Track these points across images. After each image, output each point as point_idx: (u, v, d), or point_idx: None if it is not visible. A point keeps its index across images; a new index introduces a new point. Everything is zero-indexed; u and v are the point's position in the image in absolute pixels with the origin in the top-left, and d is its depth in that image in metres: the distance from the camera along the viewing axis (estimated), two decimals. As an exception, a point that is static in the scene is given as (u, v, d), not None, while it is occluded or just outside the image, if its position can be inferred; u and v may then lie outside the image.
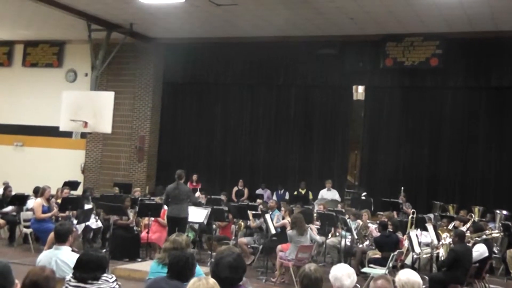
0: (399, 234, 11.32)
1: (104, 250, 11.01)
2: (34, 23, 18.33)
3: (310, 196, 16.77)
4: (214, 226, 12.93)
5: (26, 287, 4.19)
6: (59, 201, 12.83)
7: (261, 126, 19.01)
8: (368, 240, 12.07)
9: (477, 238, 10.54)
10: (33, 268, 4.41)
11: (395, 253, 10.20)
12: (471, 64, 16.31)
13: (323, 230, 12.59)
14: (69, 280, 5.08)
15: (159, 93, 19.83)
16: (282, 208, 13.11)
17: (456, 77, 16.59)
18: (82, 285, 5.01)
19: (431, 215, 13.87)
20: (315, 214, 13.60)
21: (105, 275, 5.11)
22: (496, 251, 12.18)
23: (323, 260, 12.34)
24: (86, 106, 16.18)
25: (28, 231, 12.52)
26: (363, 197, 15.94)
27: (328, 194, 16.43)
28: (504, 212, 13.75)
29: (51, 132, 19.36)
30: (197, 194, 15.25)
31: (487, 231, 11.17)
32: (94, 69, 18.23)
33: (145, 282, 5.71)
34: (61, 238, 6.03)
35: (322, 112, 18.30)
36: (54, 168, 19.36)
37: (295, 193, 16.93)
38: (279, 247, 11.00)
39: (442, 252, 10.32)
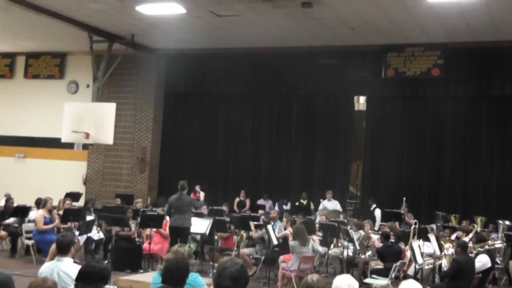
0: (402, 245, 11.31)
1: (106, 262, 11.00)
2: (36, 34, 18.41)
3: (312, 207, 16.76)
4: (216, 237, 12.93)
5: (28, 298, 4.20)
6: (61, 212, 12.84)
7: (263, 136, 19.02)
8: (370, 251, 12.06)
9: (479, 249, 10.51)
10: (35, 279, 4.43)
11: (398, 263, 10.20)
12: (473, 74, 16.34)
13: (325, 241, 12.57)
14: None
15: (161, 103, 19.87)
16: (284, 219, 13.10)
17: (457, 86, 16.61)
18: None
19: (434, 226, 13.85)
20: (317, 225, 13.58)
21: (107, 286, 5.11)
22: (499, 262, 12.16)
23: (326, 270, 12.35)
24: (88, 117, 16.20)
25: (30, 242, 12.53)
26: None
27: (329, 204, 16.41)
28: (507, 222, 13.73)
29: (53, 143, 19.36)
30: (201, 197, 15.18)
31: (489, 242, 11.14)
32: (95, 81, 18.28)
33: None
34: (63, 250, 6.03)
35: (324, 122, 18.32)
36: (56, 180, 19.35)
37: (297, 203, 16.91)
38: (281, 257, 11.01)
39: (444, 263, 10.31)
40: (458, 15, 13.77)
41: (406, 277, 9.98)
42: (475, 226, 13.42)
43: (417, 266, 10.29)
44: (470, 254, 9.92)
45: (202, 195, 15.19)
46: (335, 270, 12.26)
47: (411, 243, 10.52)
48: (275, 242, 11.50)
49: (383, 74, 16.91)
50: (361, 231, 12.56)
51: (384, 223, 13.36)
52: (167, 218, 12.05)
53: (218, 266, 4.60)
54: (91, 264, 5.22)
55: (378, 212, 15.55)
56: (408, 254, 10.60)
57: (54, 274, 5.76)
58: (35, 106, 20.68)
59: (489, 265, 10.14)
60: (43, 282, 4.32)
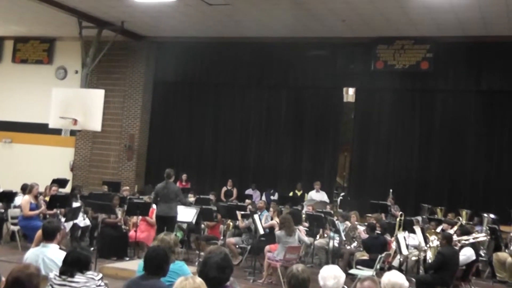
0: (387, 236, 11.36)
1: (92, 249, 10.97)
2: (25, 19, 18.24)
3: (306, 198, 16.78)
4: (202, 225, 12.94)
5: (9, 284, 4.18)
6: (47, 198, 12.78)
7: (252, 127, 19.01)
8: (356, 242, 12.11)
9: (464, 242, 10.60)
10: (17, 265, 4.41)
11: (383, 255, 10.24)
12: (462, 68, 16.41)
13: (311, 231, 12.62)
14: (54, 278, 5.08)
15: (150, 92, 19.79)
16: (271, 209, 13.14)
17: (446, 80, 16.69)
18: (66, 283, 5.01)
19: (419, 218, 13.91)
20: (303, 215, 13.61)
21: (90, 272, 5.12)
22: (483, 254, 12.27)
23: (311, 261, 12.39)
24: (76, 103, 16.12)
25: (16, 228, 12.46)
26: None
27: (317, 195, 16.45)
28: (492, 215, 13.83)
29: (40, 129, 19.25)
30: (191, 197, 15.24)
31: (474, 234, 11.23)
32: (84, 67, 18.15)
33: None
34: (49, 236, 6.01)
35: (313, 114, 18.33)
36: (43, 166, 19.26)
37: (291, 194, 16.93)
38: (267, 247, 11.03)
39: (429, 255, 10.38)
40: (448, 9, 13.81)
41: (390, 268, 10.02)
42: (460, 219, 13.52)
43: (401, 258, 10.37)
44: (455, 247, 10.00)
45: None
46: (320, 260, 12.33)
47: (396, 235, 10.61)
48: (261, 231, 11.53)
49: (373, 67, 16.94)
50: (347, 222, 12.62)
51: (370, 215, 13.41)
52: (154, 206, 12.03)
53: (204, 255, 4.61)
54: (76, 250, 5.22)
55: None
56: (394, 245, 10.66)
57: (39, 260, 5.75)
58: (23, 91, 20.52)
59: (474, 258, 10.25)
60: (24, 268, 4.30)
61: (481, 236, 11.75)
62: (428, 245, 10.63)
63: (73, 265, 5.04)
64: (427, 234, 11.22)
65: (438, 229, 12.13)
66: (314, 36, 17.06)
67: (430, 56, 16.32)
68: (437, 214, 15.03)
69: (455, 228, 11.83)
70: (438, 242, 10.12)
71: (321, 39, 17.24)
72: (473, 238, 10.94)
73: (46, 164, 19.43)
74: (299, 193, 17.10)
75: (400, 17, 14.74)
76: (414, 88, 17.12)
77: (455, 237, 10.50)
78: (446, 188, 16.66)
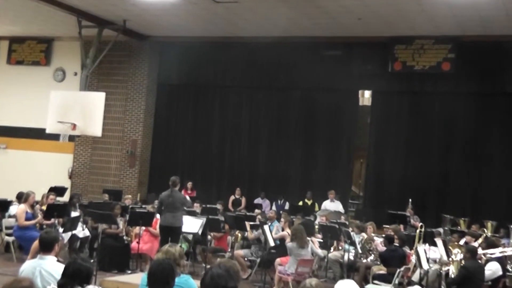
0: (406, 249, 11.31)
1: (92, 261, 10.97)
2: (21, 18, 18.31)
3: (316, 208, 16.73)
4: (209, 237, 12.92)
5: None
6: (44, 207, 12.77)
7: (261, 132, 18.99)
8: (372, 255, 12.06)
9: (490, 255, 10.51)
10: (10, 279, 4.39)
11: (402, 269, 10.21)
12: (485, 69, 16.32)
13: (325, 243, 12.59)
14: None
15: (153, 95, 19.82)
16: (282, 219, 13.10)
17: (468, 82, 16.61)
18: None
19: (441, 229, 13.85)
20: (316, 226, 13.58)
21: (90, 286, 5.09)
22: (510, 269, 12.15)
23: (325, 275, 12.34)
24: (75, 107, 16.17)
25: (11, 239, 12.48)
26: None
27: (331, 205, 16.41)
28: (519, 227, 13.74)
29: (37, 134, 19.33)
30: (197, 207, 15.27)
31: (500, 248, 11.13)
32: (84, 68, 18.21)
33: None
34: (47, 247, 5.99)
35: (326, 118, 18.28)
36: (40, 173, 19.31)
37: (300, 203, 16.90)
38: (278, 260, 11.01)
39: (452, 269, 10.31)
40: (471, 6, 13.75)
41: (410, 283, 9.98)
42: (485, 231, 13.43)
43: (422, 272, 10.29)
44: (479, 261, 9.91)
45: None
46: (334, 274, 12.27)
47: (416, 248, 10.53)
48: (271, 243, 11.49)
49: (390, 68, 16.90)
50: (363, 234, 12.55)
51: (388, 226, 13.35)
52: (158, 216, 12.02)
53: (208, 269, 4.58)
54: (76, 261, 5.20)
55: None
56: (413, 259, 10.60)
57: (36, 273, 5.73)
58: (19, 94, 20.59)
59: (500, 273, 10.15)
60: (17, 282, 4.28)
61: (508, 250, 11.64)
62: (450, 259, 10.55)
63: (73, 277, 5.00)
64: (450, 247, 11.14)
65: (461, 242, 12.03)
66: (327, 35, 17.04)
67: (452, 57, 16.25)
68: (460, 225, 14.92)
69: (480, 240, 11.74)
70: (462, 256, 10.04)
71: (335, 38, 17.22)
72: (500, 252, 10.84)
73: (43, 171, 19.48)
74: (309, 203, 17.06)
75: (419, 14, 14.69)
76: (434, 91, 17.04)
77: (480, 251, 10.42)
78: (470, 197, 16.56)
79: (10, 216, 13.04)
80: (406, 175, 17.23)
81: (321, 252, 11.98)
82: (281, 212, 14.91)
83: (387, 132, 17.70)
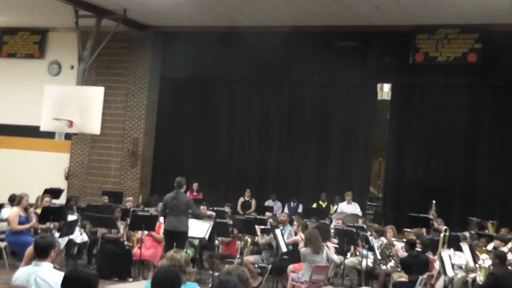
0: (429, 255, 11.32)
1: (91, 268, 10.98)
2: (13, 8, 18.39)
3: (332, 210, 16.73)
4: (216, 242, 12.92)
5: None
6: (38, 211, 12.81)
7: (271, 129, 19.01)
8: (393, 261, 12.03)
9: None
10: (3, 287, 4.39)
11: (424, 276, 10.18)
12: (515, 61, 16.30)
13: (341, 249, 12.56)
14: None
15: (156, 89, 19.87)
16: (295, 223, 13.06)
17: (496, 75, 16.62)
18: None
19: (467, 233, 13.82)
20: (332, 230, 13.57)
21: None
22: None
23: (341, 283, 12.36)
24: (72, 103, 16.23)
25: (3, 244, 12.50)
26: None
27: (348, 207, 16.38)
28: (552, 231, 13.68)
29: (30, 132, 19.40)
30: (204, 210, 15.28)
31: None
32: (81, 61, 18.23)
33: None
34: (42, 253, 5.98)
35: (342, 114, 18.28)
36: (34, 173, 19.41)
37: (314, 205, 16.90)
38: (290, 267, 11.01)
39: (479, 276, 10.28)
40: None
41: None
42: (515, 235, 13.37)
43: (446, 280, 10.26)
44: (509, 267, 9.87)
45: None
46: (352, 282, 12.26)
47: (440, 253, 10.51)
48: (284, 249, 11.50)
49: (411, 59, 16.89)
50: (382, 238, 12.53)
51: (409, 230, 13.33)
52: (161, 219, 12.04)
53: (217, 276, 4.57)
54: (77, 269, 5.18)
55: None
56: (437, 265, 10.59)
57: (31, 281, 5.73)
58: (11, 89, 20.70)
59: (531, 280, 10.08)
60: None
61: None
62: (477, 265, 10.53)
63: (76, 286, 4.98)
64: (477, 252, 11.12)
65: (489, 247, 12.01)
66: (342, 24, 17.06)
67: (479, 47, 16.22)
68: (488, 229, 14.91)
69: (510, 245, 11.70)
70: (490, 262, 10.00)
71: (351, 28, 17.22)
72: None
73: (38, 172, 19.56)
74: (323, 205, 17.09)
75: (443, 1, 14.64)
76: (459, 84, 17.03)
77: (509, 256, 10.38)
78: (499, 198, 16.55)
79: (2, 220, 13.07)
80: (429, 175, 17.21)
81: (337, 258, 11.94)
82: (293, 215, 14.90)
83: (408, 129, 17.68)
